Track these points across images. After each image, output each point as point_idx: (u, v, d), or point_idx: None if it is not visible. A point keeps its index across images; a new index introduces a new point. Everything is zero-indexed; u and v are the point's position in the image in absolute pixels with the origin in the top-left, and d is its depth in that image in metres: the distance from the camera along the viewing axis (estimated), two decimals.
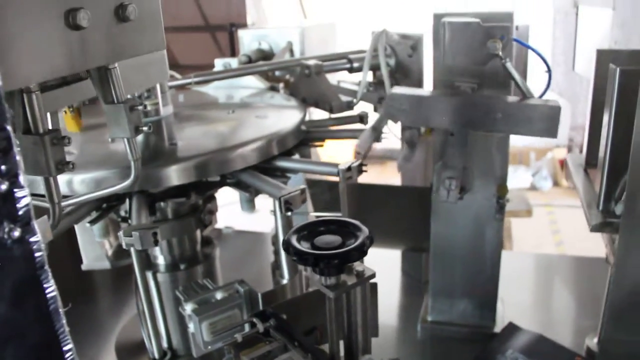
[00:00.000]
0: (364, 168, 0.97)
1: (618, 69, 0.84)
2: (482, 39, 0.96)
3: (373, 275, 0.70)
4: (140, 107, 0.76)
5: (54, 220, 0.65)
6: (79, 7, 0.58)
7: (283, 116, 1.17)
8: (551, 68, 1.06)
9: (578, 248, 3.17)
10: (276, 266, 1.42)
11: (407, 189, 1.61)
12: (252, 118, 1.15)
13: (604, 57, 1.02)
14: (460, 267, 1.32)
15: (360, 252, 0.64)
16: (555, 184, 4.77)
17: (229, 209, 1.64)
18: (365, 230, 0.67)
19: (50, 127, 0.64)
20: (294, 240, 0.66)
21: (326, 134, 1.20)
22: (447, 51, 0.99)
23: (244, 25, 2.85)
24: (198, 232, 1.22)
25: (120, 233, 0.80)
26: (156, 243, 0.80)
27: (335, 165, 0.95)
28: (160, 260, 1.20)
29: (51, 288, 0.48)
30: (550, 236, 3.75)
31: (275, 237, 1.43)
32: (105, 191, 0.83)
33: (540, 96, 1.04)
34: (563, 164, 4.29)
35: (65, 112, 0.78)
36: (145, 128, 0.77)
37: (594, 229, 0.85)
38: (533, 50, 1.06)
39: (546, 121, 0.96)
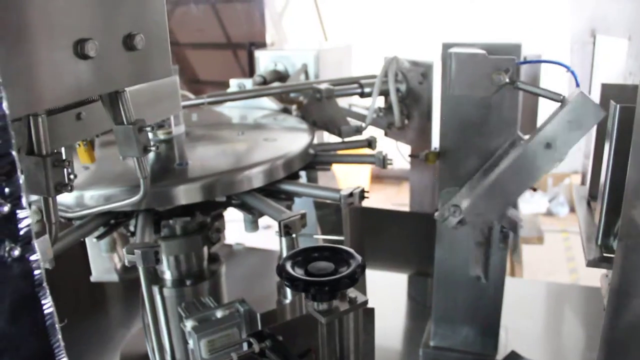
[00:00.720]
0: (366, 194, 0.99)
1: (618, 106, 0.85)
2: (488, 71, 0.97)
3: (366, 302, 0.71)
4: (148, 129, 0.79)
5: (51, 238, 0.68)
6: (87, 38, 0.61)
7: (292, 139, 1.20)
8: (572, 69, 1.05)
9: (592, 276, 3.13)
10: (281, 285, 1.45)
11: (413, 214, 1.62)
12: (260, 140, 1.18)
13: (608, 91, 1.03)
14: (463, 294, 1.32)
15: (351, 280, 0.66)
16: (572, 210, 4.73)
17: (241, 225, 1.67)
18: (357, 258, 0.69)
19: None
20: (288, 266, 0.68)
21: (333, 158, 1.23)
22: (454, 81, 1.00)
23: (263, 44, 2.89)
24: (205, 250, 1.25)
25: (124, 250, 0.83)
26: (158, 261, 0.83)
27: (338, 190, 0.97)
28: (167, 276, 1.23)
29: (48, 304, 0.50)
30: (564, 263, 3.72)
31: (279, 259, 1.45)
32: (112, 205, 0.87)
33: None
34: None
35: (79, 144, 0.82)
36: (153, 148, 0.80)
37: (590, 264, 0.85)
38: (545, 61, 1.07)
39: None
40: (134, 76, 0.72)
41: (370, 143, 1.31)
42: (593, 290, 1.78)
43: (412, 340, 1.48)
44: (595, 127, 1.06)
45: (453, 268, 1.30)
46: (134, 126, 0.76)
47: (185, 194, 0.94)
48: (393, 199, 4.84)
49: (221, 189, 0.97)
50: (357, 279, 0.66)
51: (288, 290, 1.22)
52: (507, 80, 0.97)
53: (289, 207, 1.09)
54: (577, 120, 0.93)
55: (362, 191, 0.98)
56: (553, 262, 3.64)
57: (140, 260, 0.81)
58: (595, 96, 1.90)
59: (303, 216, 0.89)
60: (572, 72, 1.00)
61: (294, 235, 0.89)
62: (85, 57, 0.62)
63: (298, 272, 0.68)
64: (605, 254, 0.87)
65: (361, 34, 4.22)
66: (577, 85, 0.99)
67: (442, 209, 1.22)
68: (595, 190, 1.06)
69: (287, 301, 1.22)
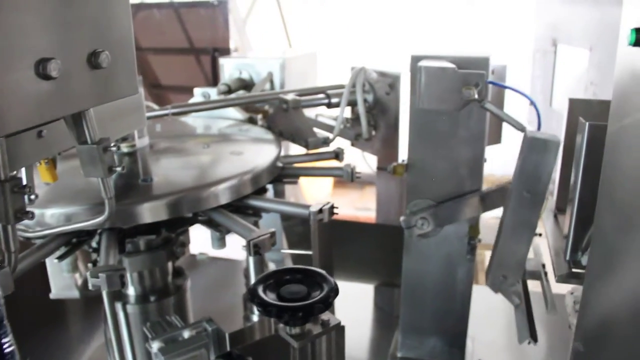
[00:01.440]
0: (335, 210, 0.98)
1: (587, 124, 0.86)
2: (458, 85, 0.98)
3: (339, 325, 0.70)
4: (113, 148, 0.76)
5: (10, 268, 0.65)
6: (50, 58, 0.58)
7: (258, 152, 1.18)
8: (534, 101, 1.07)
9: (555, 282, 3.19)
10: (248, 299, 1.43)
11: (380, 226, 1.62)
12: (227, 154, 1.16)
13: (575, 106, 1.04)
14: (431, 305, 1.32)
15: (325, 305, 0.65)
16: None
17: (204, 234, 1.65)
18: (330, 282, 0.68)
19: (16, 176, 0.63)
20: (259, 290, 0.66)
21: (301, 171, 1.21)
22: (423, 95, 1.00)
23: (226, 50, 2.86)
24: (170, 264, 1.22)
25: (88, 274, 0.80)
26: (123, 284, 0.80)
27: (307, 206, 0.96)
28: (131, 291, 1.20)
29: (9, 343, 0.48)
30: None
31: (247, 271, 1.43)
32: (75, 226, 0.83)
33: (538, 128, 1.05)
34: None
35: (40, 163, 0.78)
36: (118, 168, 0.77)
37: (560, 279, 0.86)
38: (511, 88, 1.08)
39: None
40: (99, 95, 0.69)
41: (338, 155, 1.31)
42: (558, 298, 1.81)
43: (380, 350, 1.48)
44: (562, 143, 1.07)
45: (421, 279, 1.30)
46: (99, 146, 0.73)
47: (150, 212, 0.92)
48: (356, 203, 4.84)
49: (187, 206, 0.94)
50: (331, 303, 0.65)
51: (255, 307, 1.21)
52: (476, 96, 0.98)
53: (256, 223, 1.07)
54: (539, 160, 0.94)
55: (332, 207, 0.97)
56: None
57: (105, 285, 0.78)
58: (558, 105, 1.94)
59: (272, 235, 0.87)
60: (534, 105, 1.02)
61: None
62: (47, 77, 0.59)
63: (270, 297, 0.66)
64: (574, 269, 0.88)
65: (325, 41, 4.22)
66: (538, 117, 1.01)
67: (409, 219, 1.22)
68: (562, 203, 1.08)
69: (254, 317, 1.21)
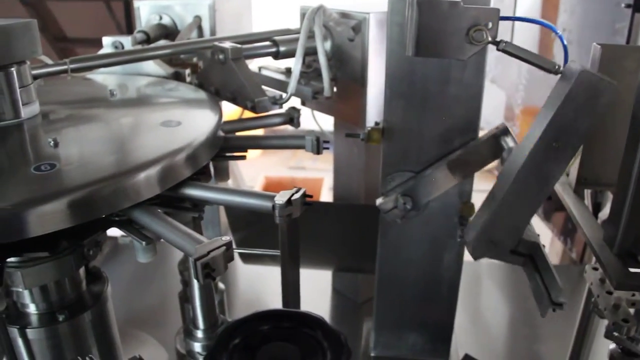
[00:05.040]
0: (307, 198, 0.71)
1: None
2: (465, 25, 0.72)
3: None
4: None
5: None
6: None
7: (192, 119, 0.89)
8: (561, 35, 0.82)
9: None
10: (185, 299, 1.16)
11: (341, 206, 1.36)
12: (150, 123, 0.86)
13: (608, 53, 0.80)
14: (412, 296, 1.10)
15: None
16: None
17: None
18: (338, 337, 0.42)
19: None
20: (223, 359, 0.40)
21: (250, 142, 0.93)
22: (415, 39, 0.74)
23: None
24: (82, 270, 0.93)
25: None
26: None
27: (271, 197, 0.68)
28: (32, 310, 0.89)
29: None
30: None
31: (182, 265, 1.16)
32: None
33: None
34: None
35: None
36: None
37: (621, 286, 0.64)
38: (531, 20, 0.82)
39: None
40: None
41: (293, 119, 1.04)
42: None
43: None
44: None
45: (400, 267, 1.07)
46: None
47: (49, 219, 0.61)
48: (290, 161, 4.58)
49: (105, 204, 0.65)
50: None
51: (199, 320, 0.94)
52: (490, 38, 0.72)
53: (197, 221, 0.79)
54: (585, 105, 0.69)
55: (304, 195, 0.70)
56: None
57: None
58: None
59: (228, 246, 0.59)
60: (560, 37, 0.77)
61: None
62: None
63: None
64: (631, 269, 0.66)
65: None
66: (566, 56, 0.76)
67: (387, 200, 0.98)
68: (586, 177, 0.85)
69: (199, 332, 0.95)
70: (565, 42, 0.75)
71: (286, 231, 0.71)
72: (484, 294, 1.57)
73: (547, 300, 0.72)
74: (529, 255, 0.77)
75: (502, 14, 0.73)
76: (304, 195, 0.69)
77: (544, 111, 0.72)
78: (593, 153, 0.83)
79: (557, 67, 0.72)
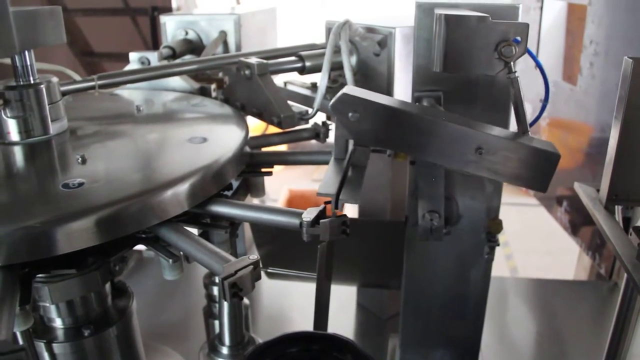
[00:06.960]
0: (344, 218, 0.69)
1: None
2: (493, 41, 0.71)
3: None
4: None
5: None
6: None
7: (218, 134, 0.89)
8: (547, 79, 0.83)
9: (529, 264, 3.09)
10: (210, 314, 1.15)
11: (367, 222, 1.34)
12: (177, 139, 0.86)
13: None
14: (438, 312, 1.09)
15: None
16: None
17: None
18: None
19: None
20: None
21: (276, 157, 0.93)
22: (443, 55, 0.73)
23: (168, 9, 2.51)
24: (108, 285, 0.93)
25: None
26: None
27: (298, 214, 0.68)
28: (58, 324, 0.90)
29: None
30: (499, 250, 3.62)
31: (207, 278, 1.16)
32: None
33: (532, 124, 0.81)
34: None
35: None
36: None
37: None
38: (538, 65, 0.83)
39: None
40: None
41: (319, 134, 1.03)
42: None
43: None
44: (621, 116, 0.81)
45: (426, 285, 1.06)
46: None
47: (77, 237, 0.62)
48: (312, 174, 4.58)
49: (132, 221, 0.65)
50: None
51: (227, 335, 0.93)
52: (520, 53, 0.71)
53: (232, 239, 0.78)
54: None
55: (344, 222, 0.67)
56: None
57: None
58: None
59: (256, 265, 0.58)
60: (541, 68, 0.78)
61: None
62: None
63: None
64: None
65: None
66: (547, 93, 0.77)
67: (416, 222, 0.97)
68: (620, 193, 0.83)
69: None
70: (546, 73, 0.77)
71: (325, 253, 0.70)
72: (510, 310, 1.54)
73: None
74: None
75: None
76: (345, 222, 0.67)
77: None
78: (624, 169, 0.80)
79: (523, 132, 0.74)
